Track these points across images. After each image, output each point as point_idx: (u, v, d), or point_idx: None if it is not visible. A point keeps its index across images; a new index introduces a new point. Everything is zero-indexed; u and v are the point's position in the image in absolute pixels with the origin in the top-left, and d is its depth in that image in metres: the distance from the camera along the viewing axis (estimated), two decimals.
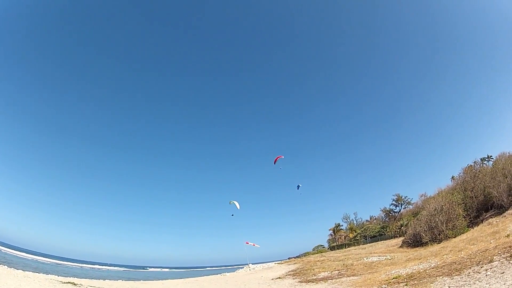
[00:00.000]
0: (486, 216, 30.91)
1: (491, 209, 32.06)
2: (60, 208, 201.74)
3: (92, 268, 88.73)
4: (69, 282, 19.23)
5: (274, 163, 51.16)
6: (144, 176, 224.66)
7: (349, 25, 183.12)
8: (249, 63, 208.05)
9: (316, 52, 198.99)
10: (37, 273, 24.17)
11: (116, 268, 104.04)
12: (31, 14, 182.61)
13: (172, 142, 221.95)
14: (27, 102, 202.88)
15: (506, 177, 30.06)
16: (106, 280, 27.87)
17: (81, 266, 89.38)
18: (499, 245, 13.99)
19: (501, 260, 11.13)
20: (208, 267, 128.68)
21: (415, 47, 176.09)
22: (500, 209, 29.70)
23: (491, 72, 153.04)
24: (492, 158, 54.64)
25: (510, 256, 11.11)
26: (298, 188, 56.17)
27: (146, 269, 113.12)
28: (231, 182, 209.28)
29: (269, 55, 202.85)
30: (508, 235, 15.44)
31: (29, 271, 24.73)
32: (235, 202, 47.62)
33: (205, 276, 39.09)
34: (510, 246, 12.45)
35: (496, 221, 25.98)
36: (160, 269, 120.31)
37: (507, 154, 38.79)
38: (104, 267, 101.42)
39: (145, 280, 30.93)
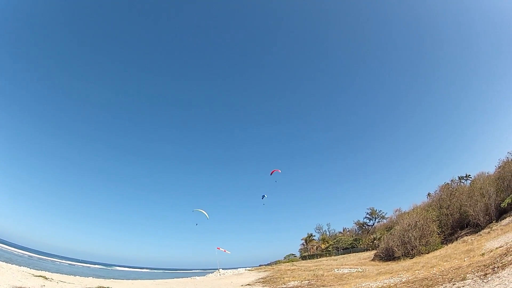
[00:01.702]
0: (461, 234, 31.51)
1: (467, 227, 32.75)
2: (36, 200, 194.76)
3: (64, 263, 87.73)
4: (41, 276, 19.47)
5: (271, 174, 53.72)
6: (122, 176, 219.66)
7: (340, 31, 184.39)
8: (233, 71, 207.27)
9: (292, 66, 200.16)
10: (10, 264, 24.57)
11: (87, 265, 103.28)
12: (34, 15, 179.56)
13: (148, 142, 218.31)
14: (31, 104, 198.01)
15: (484, 197, 30.73)
16: (77, 276, 27.98)
17: (53, 261, 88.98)
18: (473, 263, 13.94)
19: (474, 279, 10.95)
20: (178, 269, 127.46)
21: (400, 59, 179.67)
22: (476, 228, 30.37)
23: (472, 92, 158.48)
24: (471, 177, 56.21)
25: (485, 275, 10.95)
26: (262, 198, 56.70)
27: (114, 267, 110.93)
28: (204, 187, 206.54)
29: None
30: (483, 254, 15.45)
31: (1, 261, 25.25)
32: (202, 211, 46.87)
33: (175, 279, 38.92)
34: (484, 265, 12.36)
35: (471, 239, 26.40)
36: (130, 268, 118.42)
37: (486, 174, 39.78)
38: (76, 263, 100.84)
39: (115, 279, 30.58)
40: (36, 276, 19.13)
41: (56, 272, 27.54)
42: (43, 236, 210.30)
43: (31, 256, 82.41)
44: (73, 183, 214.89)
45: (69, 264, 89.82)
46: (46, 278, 18.85)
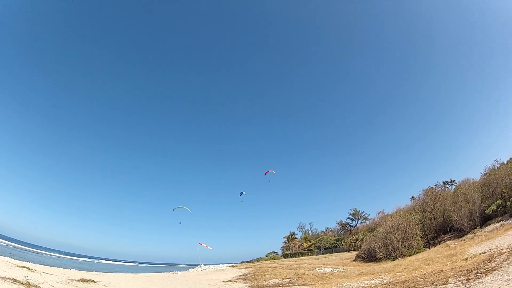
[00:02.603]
0: (444, 238, 31.94)
1: (450, 231, 33.19)
2: (20, 191, 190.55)
3: (48, 255, 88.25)
4: (24, 267, 19.76)
5: (265, 174, 55.90)
6: (108, 169, 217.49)
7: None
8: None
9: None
10: None
11: (70, 257, 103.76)
12: (36, 14, 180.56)
13: (131, 134, 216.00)
14: (34, 101, 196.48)
15: (468, 203, 31.15)
16: (60, 268, 28.12)
17: (37, 252, 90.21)
18: (455, 267, 13.92)
19: (456, 283, 10.86)
20: (160, 264, 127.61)
21: (387, 64, 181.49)
22: (459, 233, 30.82)
23: (460, 98, 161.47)
24: (455, 183, 57.13)
25: (467, 279, 10.87)
26: (241, 195, 56.58)
27: (98, 260, 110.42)
28: (188, 182, 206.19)
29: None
30: (466, 259, 15.46)
31: None
32: (183, 207, 46.13)
33: (156, 273, 38.61)
34: (467, 270, 12.32)
35: (455, 244, 26.70)
36: (113, 262, 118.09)
37: (471, 180, 40.35)
38: (59, 255, 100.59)
39: (97, 272, 30.65)
40: (19, 267, 19.36)
41: (39, 264, 27.86)
42: (27, 227, 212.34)
43: (16, 247, 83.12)
44: (58, 174, 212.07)
45: (53, 256, 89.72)
46: (29, 269, 18.93)
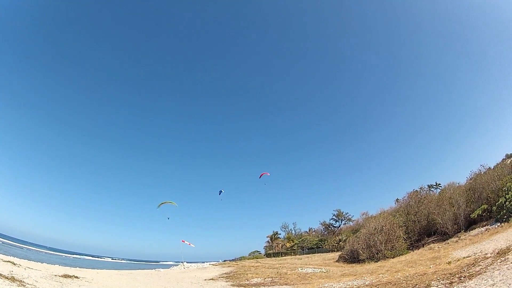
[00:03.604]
0: (428, 241, 32.12)
1: (434, 234, 33.43)
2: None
3: (32, 249, 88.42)
4: (9, 261, 20.08)
5: (260, 178, 56.13)
6: (93, 164, 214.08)
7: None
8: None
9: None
10: None
11: (54, 252, 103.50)
12: (37, 12, 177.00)
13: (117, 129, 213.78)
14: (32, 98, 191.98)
15: (453, 206, 31.41)
16: (44, 263, 28.26)
17: (21, 247, 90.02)
18: (438, 270, 13.80)
19: (439, 286, 10.71)
20: (143, 261, 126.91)
21: (377, 66, 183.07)
22: (443, 236, 31.06)
23: (448, 102, 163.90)
24: (440, 186, 57.67)
25: (450, 283, 10.67)
26: (220, 194, 56.54)
27: (81, 256, 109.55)
28: (171, 178, 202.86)
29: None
30: (449, 262, 15.37)
31: None
32: (168, 202, 45.62)
33: (139, 270, 38.76)
34: (450, 274, 12.16)
35: (438, 247, 26.87)
36: (96, 258, 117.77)
37: (456, 184, 40.70)
38: (43, 250, 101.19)
39: (81, 268, 30.81)
40: (5, 261, 19.63)
41: (24, 259, 28.06)
42: (12, 222, 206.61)
43: (3, 242, 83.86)
44: (42, 168, 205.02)
45: (38, 251, 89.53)
46: (14, 264, 19.33)
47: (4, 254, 27.29)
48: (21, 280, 13.08)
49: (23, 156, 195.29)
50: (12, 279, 12.85)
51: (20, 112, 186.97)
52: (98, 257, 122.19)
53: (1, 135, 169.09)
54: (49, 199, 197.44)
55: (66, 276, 18.57)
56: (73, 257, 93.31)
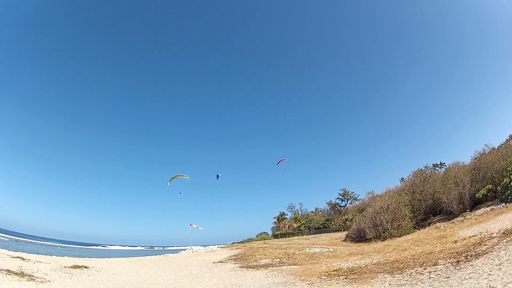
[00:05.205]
0: (434, 220, 32.49)
1: (440, 214, 33.75)
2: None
3: (40, 243, 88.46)
4: (18, 257, 20.35)
5: (277, 164, 56.75)
6: (96, 152, 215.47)
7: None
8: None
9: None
10: None
11: (63, 244, 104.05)
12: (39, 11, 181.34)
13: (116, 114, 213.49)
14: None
15: (458, 185, 31.59)
16: (53, 256, 28.89)
17: (30, 242, 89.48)
18: (445, 249, 14.14)
19: (446, 265, 11.01)
20: (152, 247, 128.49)
21: (375, 52, 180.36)
22: (449, 215, 31.41)
23: (451, 82, 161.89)
24: (445, 165, 57.78)
25: (457, 262, 11.02)
26: (217, 178, 54.79)
27: (90, 246, 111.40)
28: (178, 162, 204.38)
29: None
30: (455, 241, 15.74)
31: None
32: (179, 175, 44.81)
33: (148, 256, 39.28)
34: (457, 252, 12.50)
35: (444, 226, 27.26)
36: (105, 247, 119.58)
37: (461, 163, 40.79)
38: (52, 243, 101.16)
39: (90, 258, 31.32)
40: (13, 257, 19.89)
41: (33, 253, 28.76)
42: (19, 218, 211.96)
43: (11, 239, 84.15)
44: (47, 161, 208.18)
45: (46, 244, 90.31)
46: (23, 259, 19.54)
47: (13, 250, 27.84)
48: (30, 275, 13.37)
49: (27, 151, 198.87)
50: (22, 274, 13.16)
51: (25, 107, 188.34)
52: (107, 246, 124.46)
53: (1, 133, 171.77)
54: (54, 191, 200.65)
55: (75, 266, 19.05)
56: (82, 248, 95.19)
